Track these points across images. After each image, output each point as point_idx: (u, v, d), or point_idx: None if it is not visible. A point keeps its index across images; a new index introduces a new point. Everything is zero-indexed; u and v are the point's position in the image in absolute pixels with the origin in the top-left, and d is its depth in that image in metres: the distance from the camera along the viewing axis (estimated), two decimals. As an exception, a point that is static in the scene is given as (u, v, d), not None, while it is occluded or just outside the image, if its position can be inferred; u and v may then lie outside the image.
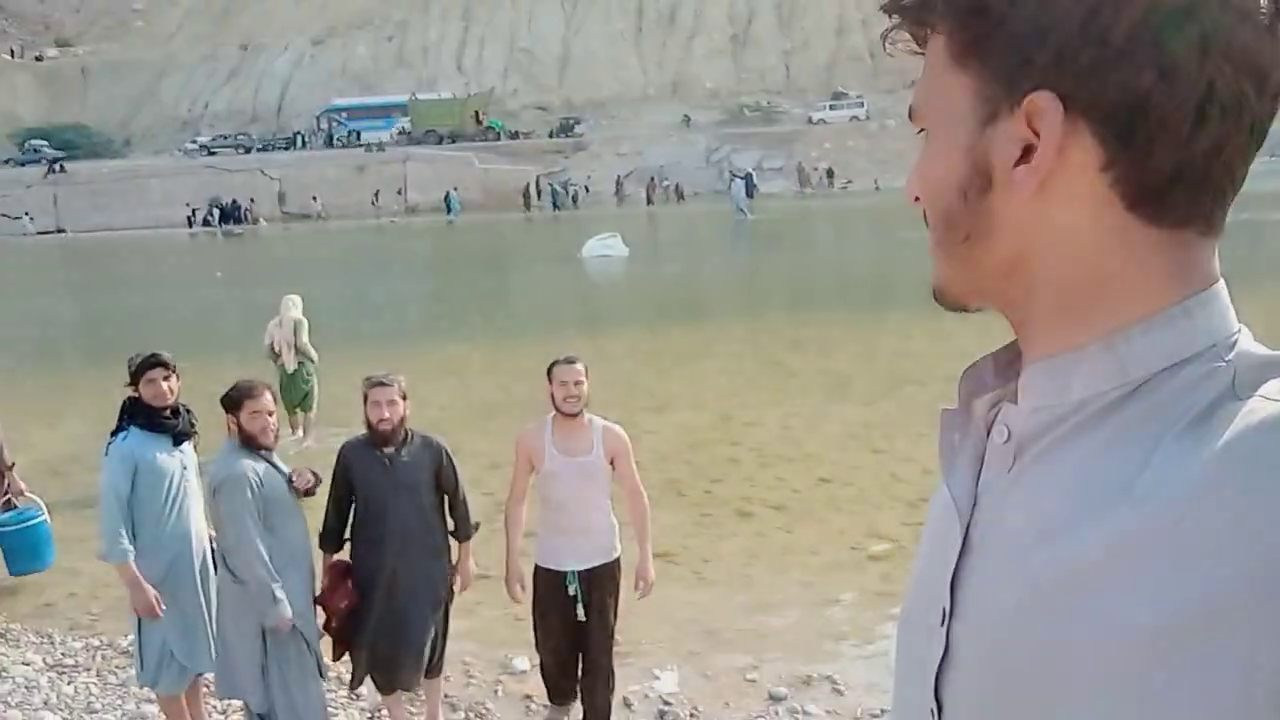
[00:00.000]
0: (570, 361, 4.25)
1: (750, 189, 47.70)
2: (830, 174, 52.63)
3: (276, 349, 9.46)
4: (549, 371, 4.28)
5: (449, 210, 47.90)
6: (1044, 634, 0.61)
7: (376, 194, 52.00)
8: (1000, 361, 0.76)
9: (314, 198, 51.47)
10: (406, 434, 4.30)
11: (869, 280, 21.25)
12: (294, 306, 9.51)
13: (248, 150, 60.33)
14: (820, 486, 7.56)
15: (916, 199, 0.73)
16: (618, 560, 4.36)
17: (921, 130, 0.72)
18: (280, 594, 3.89)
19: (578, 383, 4.19)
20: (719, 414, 9.87)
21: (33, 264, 37.34)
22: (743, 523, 6.96)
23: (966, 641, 0.67)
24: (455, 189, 50.05)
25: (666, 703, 4.71)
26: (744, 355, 13.16)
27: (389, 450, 4.25)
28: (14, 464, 6.63)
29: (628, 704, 4.70)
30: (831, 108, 60.03)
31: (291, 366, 9.44)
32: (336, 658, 4.39)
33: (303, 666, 4.05)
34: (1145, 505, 0.59)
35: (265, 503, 3.94)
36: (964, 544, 0.69)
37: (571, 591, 4.24)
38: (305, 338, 9.47)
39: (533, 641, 4.52)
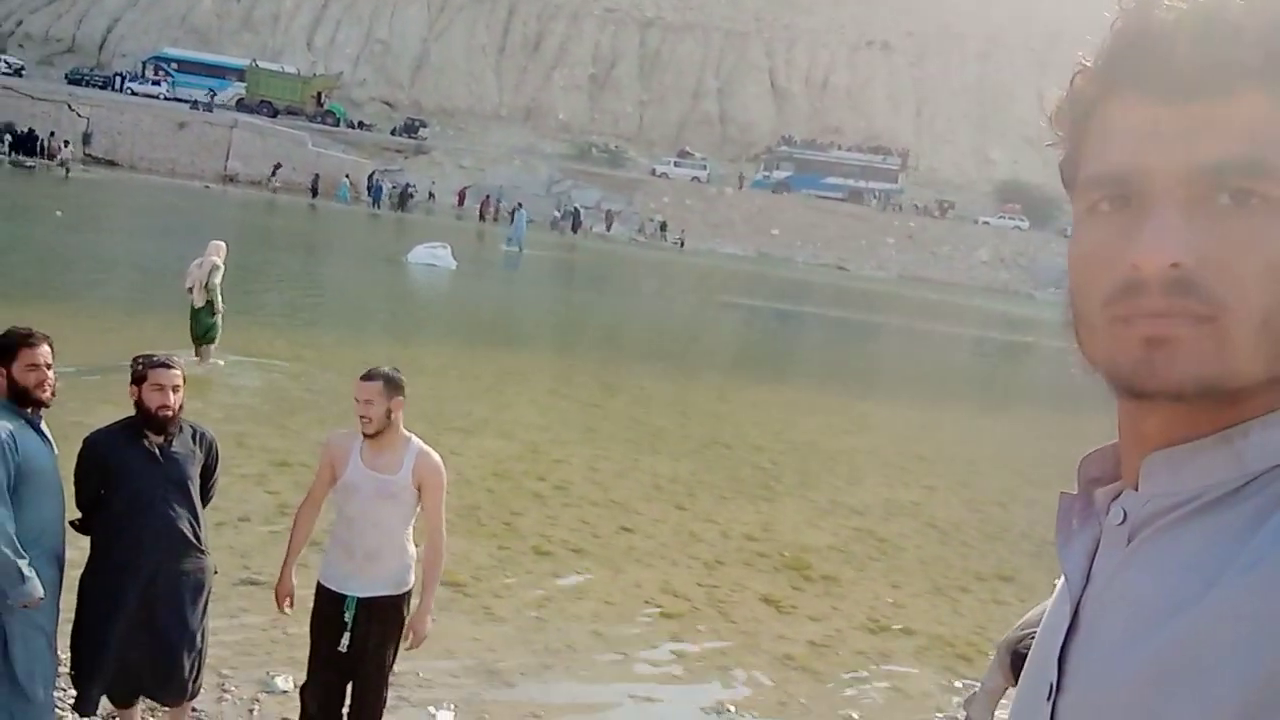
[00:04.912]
0: (368, 378, 3.85)
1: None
2: (664, 227, 53.83)
3: (189, 285, 10.84)
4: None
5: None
6: (1150, 709, 0.63)
7: (276, 168, 48.78)
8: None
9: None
10: (178, 424, 3.87)
11: (686, 336, 21.67)
12: (216, 252, 11.01)
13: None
14: (621, 535, 7.47)
15: (1175, 265, 0.64)
16: (407, 594, 3.97)
17: (1233, 194, 0.63)
18: (29, 571, 3.38)
19: (368, 402, 3.80)
20: (528, 445, 9.65)
21: None
22: (540, 561, 6.75)
23: (1071, 716, 0.70)
24: (347, 176, 48.98)
25: (438, 743, 4.43)
26: (559, 390, 13.01)
27: (158, 440, 3.78)
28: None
29: (396, 741, 4.39)
30: (676, 164, 61.50)
31: (199, 302, 10.78)
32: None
33: (30, 663, 3.51)
34: (1244, 577, 0.61)
35: (18, 472, 3.41)
36: (1073, 621, 0.72)
37: (346, 619, 3.84)
38: (218, 281, 10.84)
39: (305, 661, 4.14)
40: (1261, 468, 0.65)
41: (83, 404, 7.21)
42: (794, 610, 6.48)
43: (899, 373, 20.48)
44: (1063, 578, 0.76)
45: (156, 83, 57.13)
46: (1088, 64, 0.71)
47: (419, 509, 3.96)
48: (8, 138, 46.72)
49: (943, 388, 18.72)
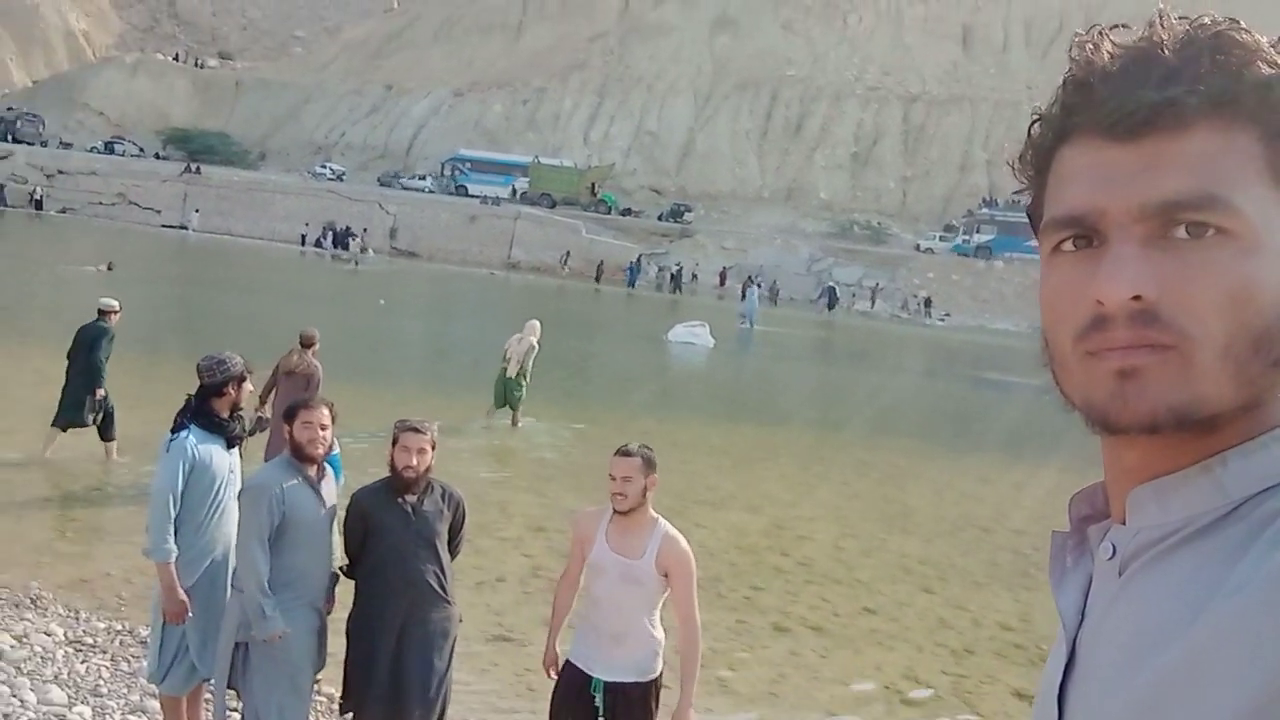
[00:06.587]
0: (625, 454, 3.76)
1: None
2: (928, 302, 52.27)
3: (508, 357, 12.53)
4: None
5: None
6: None
7: (566, 256, 53.35)
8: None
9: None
10: (428, 483, 4.20)
11: (946, 415, 20.81)
12: (533, 332, 12.75)
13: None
14: (864, 616, 7.28)
15: (1137, 297, 0.66)
16: (654, 682, 3.82)
17: (1188, 228, 0.66)
18: (270, 610, 3.84)
19: (626, 478, 3.71)
20: (773, 520, 9.65)
21: (181, 259, 39.12)
22: (778, 637, 6.72)
23: None
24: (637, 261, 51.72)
25: (663, 810, 4.49)
26: (809, 467, 12.91)
27: (411, 499, 4.13)
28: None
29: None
30: (941, 239, 59.70)
31: (512, 373, 12.49)
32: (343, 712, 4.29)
33: (267, 699, 3.91)
34: (1231, 600, 0.62)
35: (284, 521, 3.89)
36: (1070, 659, 0.73)
37: (597, 702, 3.77)
38: (530, 359, 12.56)
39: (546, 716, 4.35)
40: (1243, 495, 0.67)
41: (381, 467, 8.04)
42: (1050, 708, 6.02)
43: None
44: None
45: (423, 178, 64.61)
46: (1043, 112, 0.74)
47: (666, 594, 3.83)
48: (329, 234, 53.30)
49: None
